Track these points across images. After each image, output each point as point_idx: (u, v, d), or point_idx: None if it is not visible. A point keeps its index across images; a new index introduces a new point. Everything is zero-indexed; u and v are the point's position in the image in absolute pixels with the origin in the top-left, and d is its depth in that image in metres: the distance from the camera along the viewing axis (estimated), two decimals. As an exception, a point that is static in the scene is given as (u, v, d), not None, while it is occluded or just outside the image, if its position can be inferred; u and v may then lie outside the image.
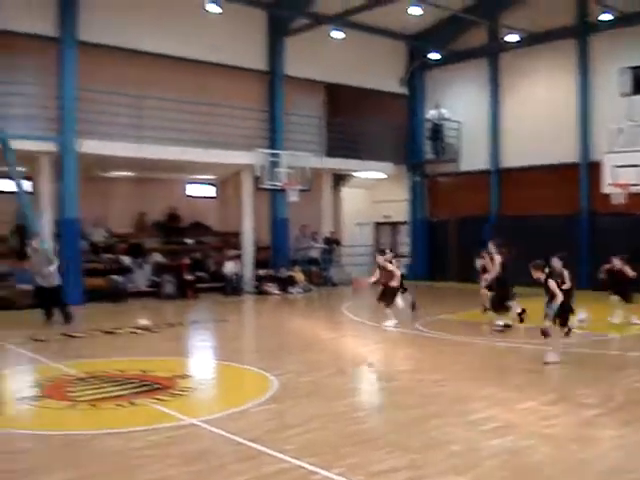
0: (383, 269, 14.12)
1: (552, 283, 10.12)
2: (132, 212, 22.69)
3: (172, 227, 23.24)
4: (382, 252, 14.92)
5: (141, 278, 20.51)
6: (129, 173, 22.18)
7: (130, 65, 19.76)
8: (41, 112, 18.04)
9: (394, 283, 13.97)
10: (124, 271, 20.20)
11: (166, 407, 7.85)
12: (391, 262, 14.37)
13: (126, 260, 20.62)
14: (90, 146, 18.29)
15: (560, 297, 10.01)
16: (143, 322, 14.97)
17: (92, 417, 7.65)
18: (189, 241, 23.20)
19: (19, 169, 17.83)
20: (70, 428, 7.14)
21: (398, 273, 14.16)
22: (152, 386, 8.89)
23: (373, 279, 14.46)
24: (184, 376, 9.77)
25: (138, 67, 19.91)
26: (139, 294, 20.02)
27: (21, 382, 9.71)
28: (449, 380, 9.31)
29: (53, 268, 14.90)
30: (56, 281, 15.00)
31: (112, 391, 8.61)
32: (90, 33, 18.59)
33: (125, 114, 18.57)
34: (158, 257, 21.52)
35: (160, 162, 20.01)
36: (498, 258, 13.44)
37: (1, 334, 13.38)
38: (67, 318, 14.93)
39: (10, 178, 18.08)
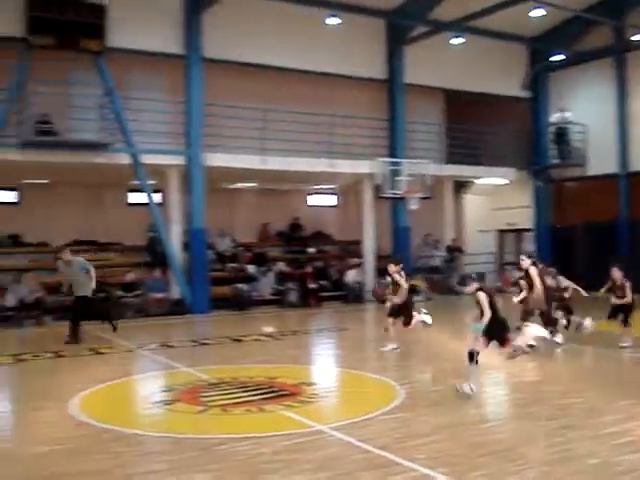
0: (393, 281, 12.53)
1: (483, 297, 8.68)
2: (256, 222, 23.28)
3: (295, 236, 23.67)
4: (396, 261, 13.01)
5: (265, 286, 20.93)
6: (253, 184, 22.74)
7: (253, 79, 20.27)
8: (170, 127, 18.78)
9: (397, 299, 12.32)
10: (249, 280, 20.68)
11: (294, 413, 7.98)
12: (400, 274, 12.50)
13: (251, 269, 21.11)
14: (216, 159, 18.89)
15: (488, 316, 8.60)
16: (268, 330, 15.25)
17: (223, 422, 7.87)
18: (311, 250, 23.51)
19: (150, 182, 18.64)
20: (202, 432, 7.35)
21: (405, 287, 12.33)
22: (280, 392, 9.06)
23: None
24: (310, 383, 9.94)
25: (260, 81, 20.39)
26: (263, 302, 20.43)
27: (156, 386, 10.11)
28: (581, 392, 9.03)
29: (91, 276, 14.20)
30: (89, 291, 14.25)
31: (242, 397, 8.83)
32: (214, 50, 19.21)
33: (249, 127, 19.03)
34: (281, 266, 21.90)
35: (283, 173, 20.41)
36: (533, 271, 11.99)
37: (135, 340, 14.01)
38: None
39: (142, 191, 18.95)
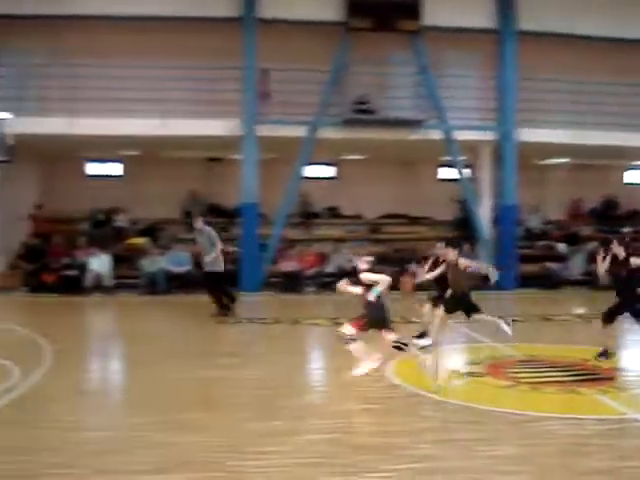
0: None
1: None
2: (566, 199, 22.46)
3: (609, 215, 22.46)
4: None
5: (575, 266, 20.16)
6: (566, 160, 21.95)
7: (568, 51, 19.44)
8: (481, 103, 18.78)
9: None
10: (559, 258, 20.07)
11: (609, 399, 7.72)
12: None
13: (561, 247, 20.47)
14: (529, 134, 18.53)
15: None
16: (579, 311, 14.75)
17: (533, 399, 7.83)
18: (627, 230, 22.14)
19: (461, 158, 18.84)
20: (511, 407, 7.38)
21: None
22: (594, 376, 8.78)
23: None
24: (627, 369, 9.52)
25: (576, 52, 19.47)
26: (573, 282, 19.71)
27: (463, 358, 10.38)
28: None
29: (214, 254, 13.64)
30: (216, 267, 13.79)
31: (553, 376, 8.72)
32: (529, 22, 18.77)
33: (564, 101, 18.36)
34: (594, 245, 20.92)
35: (598, 148, 19.44)
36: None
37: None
38: (222, 308, 13.97)
39: (452, 166, 19.24)
